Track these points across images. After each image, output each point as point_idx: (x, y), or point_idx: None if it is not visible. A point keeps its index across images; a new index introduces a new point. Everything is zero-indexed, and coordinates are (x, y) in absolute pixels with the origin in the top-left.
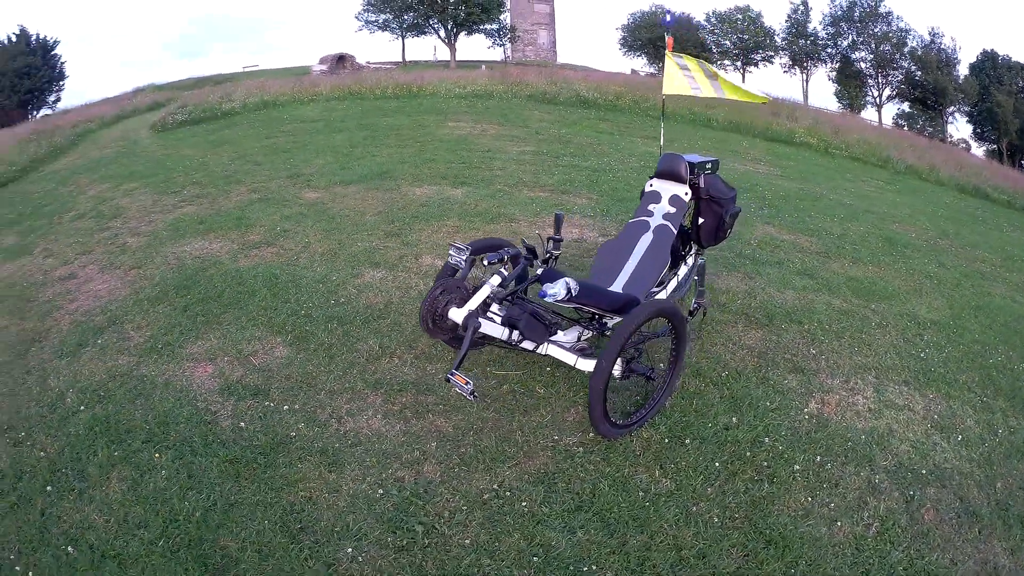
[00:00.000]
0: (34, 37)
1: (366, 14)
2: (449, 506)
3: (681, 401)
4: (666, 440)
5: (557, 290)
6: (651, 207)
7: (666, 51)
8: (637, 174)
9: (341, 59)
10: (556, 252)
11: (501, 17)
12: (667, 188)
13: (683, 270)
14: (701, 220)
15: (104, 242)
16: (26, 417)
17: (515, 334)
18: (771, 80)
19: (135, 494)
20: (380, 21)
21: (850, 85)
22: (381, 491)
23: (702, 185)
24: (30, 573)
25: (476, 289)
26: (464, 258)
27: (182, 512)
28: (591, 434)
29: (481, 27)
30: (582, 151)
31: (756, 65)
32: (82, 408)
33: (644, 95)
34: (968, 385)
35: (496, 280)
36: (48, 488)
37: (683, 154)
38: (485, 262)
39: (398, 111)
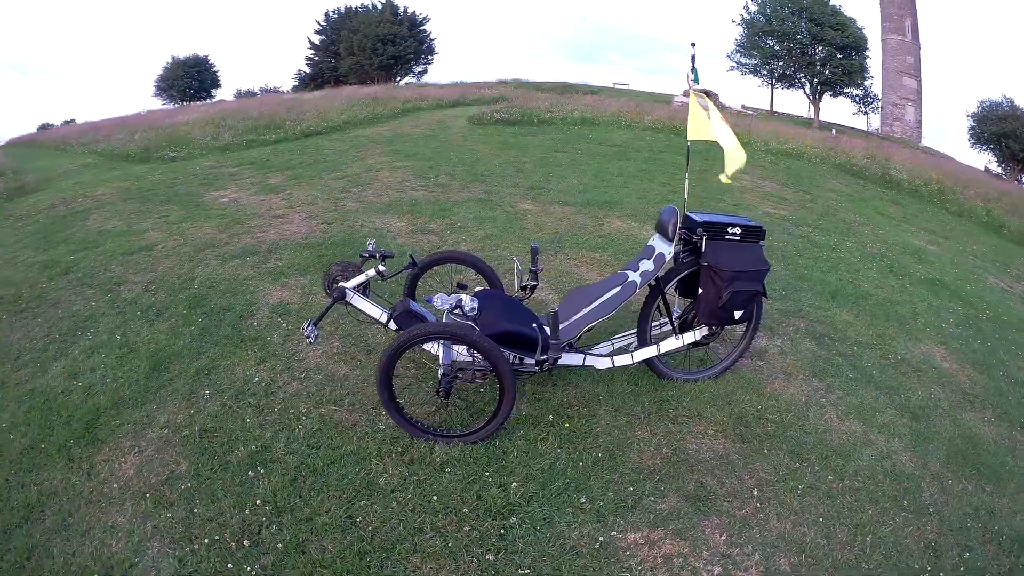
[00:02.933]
0: (402, 9)
1: (737, 55)
2: (273, 400)
3: (511, 447)
4: (439, 460)
5: (445, 300)
6: (641, 261)
7: (690, 91)
8: (853, 259)
9: (706, 95)
10: (533, 283)
11: (866, 84)
12: (658, 244)
13: (672, 342)
14: (700, 290)
15: (332, 200)
16: (163, 281)
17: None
18: None
19: (170, 330)
20: (751, 65)
21: None
22: (257, 380)
23: (703, 249)
24: (91, 332)
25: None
26: (369, 251)
27: (179, 342)
28: None
29: (844, 90)
30: (836, 228)
31: None
32: (196, 287)
33: (956, 190)
34: None
35: (372, 272)
36: (138, 313)
37: (705, 213)
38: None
39: (698, 152)
